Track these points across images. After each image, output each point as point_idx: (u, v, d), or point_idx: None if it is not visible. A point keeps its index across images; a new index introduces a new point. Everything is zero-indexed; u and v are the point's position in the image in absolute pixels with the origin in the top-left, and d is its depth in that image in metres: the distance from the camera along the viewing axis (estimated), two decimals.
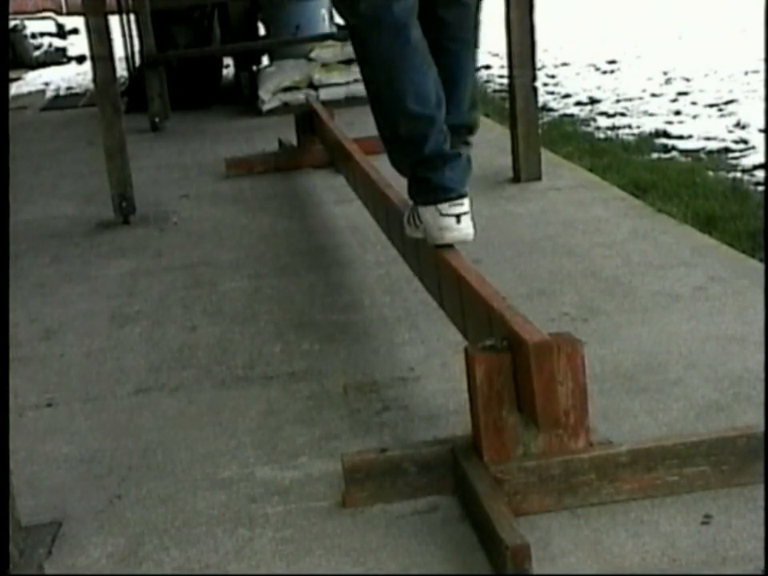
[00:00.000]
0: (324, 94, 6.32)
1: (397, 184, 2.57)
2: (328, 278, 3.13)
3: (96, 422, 2.25)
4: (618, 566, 1.57)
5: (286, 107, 6.26)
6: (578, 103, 6.69)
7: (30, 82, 10.82)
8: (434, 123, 2.15)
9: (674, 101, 6.37)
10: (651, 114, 5.98)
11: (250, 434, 2.11)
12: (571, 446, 1.74)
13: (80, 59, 12.25)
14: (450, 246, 2.19)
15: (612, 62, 8.41)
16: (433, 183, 2.17)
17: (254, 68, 7.35)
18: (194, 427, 2.18)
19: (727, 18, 9.92)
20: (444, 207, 2.16)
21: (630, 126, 5.69)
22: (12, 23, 12.48)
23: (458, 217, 2.16)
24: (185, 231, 3.84)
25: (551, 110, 6.54)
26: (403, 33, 2.12)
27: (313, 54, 6.53)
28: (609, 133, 5.58)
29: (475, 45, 2.36)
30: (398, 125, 2.18)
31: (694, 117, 5.78)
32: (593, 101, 6.69)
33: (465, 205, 2.17)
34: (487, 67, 8.41)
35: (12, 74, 10.87)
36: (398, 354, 2.47)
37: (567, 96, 7.03)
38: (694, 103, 6.20)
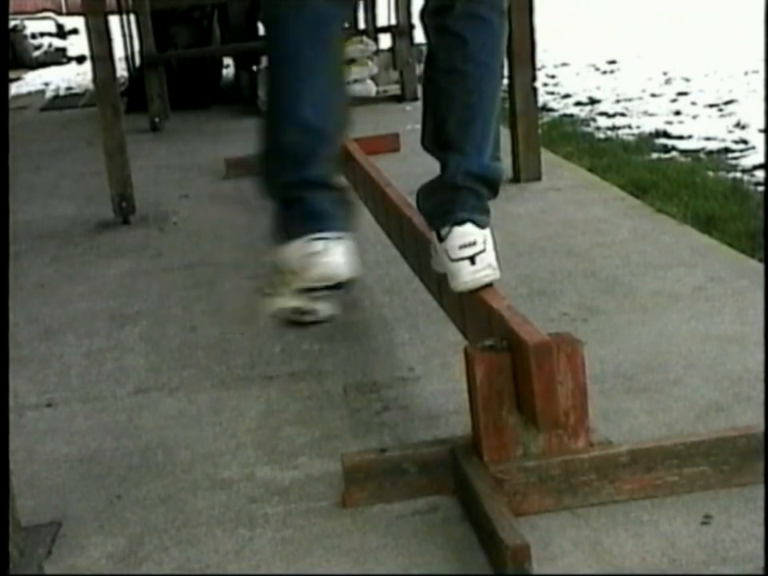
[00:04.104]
0: None
1: (397, 183, 2.57)
2: None
3: (96, 421, 2.25)
4: (618, 566, 1.57)
5: None
6: (578, 103, 6.70)
7: (29, 82, 10.83)
8: (328, 143, 1.81)
9: (674, 101, 6.37)
10: (651, 114, 5.98)
11: (250, 434, 2.11)
12: (571, 446, 1.74)
13: (80, 59, 12.25)
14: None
15: (612, 62, 8.41)
16: (308, 208, 1.79)
17: (254, 68, 7.34)
18: (194, 427, 2.18)
19: (727, 18, 9.92)
20: (453, 249, 1.86)
21: (629, 126, 5.69)
22: (12, 23, 12.48)
23: (471, 258, 1.87)
24: (185, 231, 3.84)
25: (551, 110, 6.54)
26: (323, 29, 1.80)
27: None
28: (609, 133, 5.58)
29: (500, 74, 1.97)
30: (284, 133, 1.80)
31: (694, 117, 5.78)
32: (593, 101, 6.70)
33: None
34: None
35: (12, 74, 10.87)
36: (397, 354, 2.47)
37: (567, 96, 7.03)
38: (693, 103, 6.20)
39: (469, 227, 1.90)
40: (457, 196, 1.91)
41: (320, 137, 1.80)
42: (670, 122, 5.65)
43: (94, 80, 3.91)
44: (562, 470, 1.71)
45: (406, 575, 1.60)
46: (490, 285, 1.92)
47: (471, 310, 1.99)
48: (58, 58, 12.91)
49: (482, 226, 1.92)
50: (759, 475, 1.68)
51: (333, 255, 1.76)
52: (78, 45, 12.20)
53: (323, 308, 1.86)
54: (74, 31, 13.33)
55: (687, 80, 7.07)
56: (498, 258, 1.93)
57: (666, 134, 5.33)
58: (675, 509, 1.69)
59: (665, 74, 7.43)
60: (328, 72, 1.81)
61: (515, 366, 1.71)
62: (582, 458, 1.72)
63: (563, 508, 1.71)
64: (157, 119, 6.25)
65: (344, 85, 1.91)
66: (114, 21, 4.69)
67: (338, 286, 1.81)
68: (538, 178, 4.05)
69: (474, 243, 1.89)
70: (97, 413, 2.30)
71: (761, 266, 2.80)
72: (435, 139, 1.99)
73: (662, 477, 1.72)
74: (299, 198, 1.81)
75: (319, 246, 1.76)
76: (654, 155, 4.88)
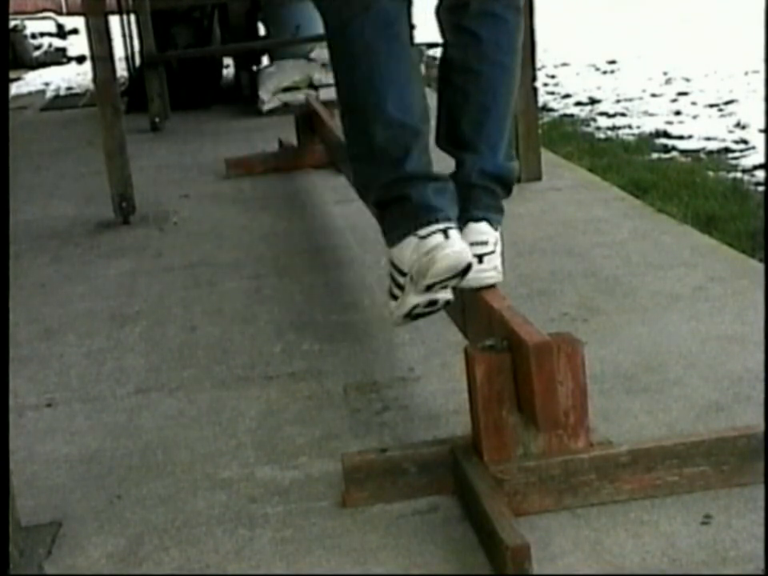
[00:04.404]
0: (324, 93, 6.30)
1: None
2: (328, 278, 3.13)
3: (96, 421, 2.25)
4: (618, 566, 1.57)
5: (285, 107, 6.26)
6: (578, 103, 6.70)
7: (29, 81, 10.82)
8: (419, 137, 1.80)
9: (674, 101, 6.37)
10: (651, 114, 5.98)
11: (250, 434, 2.11)
12: (571, 446, 1.74)
13: (80, 59, 12.25)
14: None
15: (612, 62, 8.41)
16: (413, 202, 1.76)
17: (254, 68, 7.35)
18: (194, 427, 2.18)
19: (727, 18, 9.92)
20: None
21: (630, 126, 5.69)
22: (12, 23, 12.48)
23: (480, 257, 1.84)
24: (185, 231, 3.84)
25: (551, 110, 6.55)
26: (392, 27, 1.79)
27: (313, 54, 6.54)
28: (609, 133, 5.58)
29: (516, 73, 1.96)
30: (374, 134, 1.79)
31: (694, 117, 5.78)
32: (593, 101, 6.70)
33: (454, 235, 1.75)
34: None
35: (12, 74, 10.87)
36: (397, 354, 2.47)
37: (567, 96, 7.03)
38: (693, 103, 6.21)
39: (483, 226, 1.90)
40: (472, 194, 1.91)
41: (411, 131, 1.79)
42: (670, 122, 5.65)
43: (94, 80, 3.91)
44: (562, 470, 1.71)
45: (406, 575, 1.60)
46: (492, 286, 1.93)
47: (471, 310, 1.99)
48: (58, 57, 12.90)
49: (495, 227, 1.92)
50: (759, 475, 1.68)
51: (452, 245, 1.73)
52: (78, 45, 12.19)
53: (446, 296, 1.84)
54: (74, 31, 13.33)
55: (687, 80, 7.07)
56: (503, 263, 1.94)
57: (666, 134, 5.34)
58: (675, 509, 1.69)
59: (665, 74, 7.43)
60: (404, 67, 1.80)
61: (515, 366, 1.71)
62: (581, 458, 1.72)
63: (563, 508, 1.71)
64: (157, 119, 6.25)
65: (421, 78, 1.89)
66: (114, 21, 4.69)
67: (463, 271, 1.78)
68: (538, 178, 4.05)
69: (486, 243, 1.89)
70: (97, 413, 2.30)
71: (761, 266, 2.80)
72: (450, 138, 1.98)
73: (662, 477, 1.72)
74: (403, 195, 1.78)
75: (437, 238, 1.73)
76: (654, 155, 4.88)
